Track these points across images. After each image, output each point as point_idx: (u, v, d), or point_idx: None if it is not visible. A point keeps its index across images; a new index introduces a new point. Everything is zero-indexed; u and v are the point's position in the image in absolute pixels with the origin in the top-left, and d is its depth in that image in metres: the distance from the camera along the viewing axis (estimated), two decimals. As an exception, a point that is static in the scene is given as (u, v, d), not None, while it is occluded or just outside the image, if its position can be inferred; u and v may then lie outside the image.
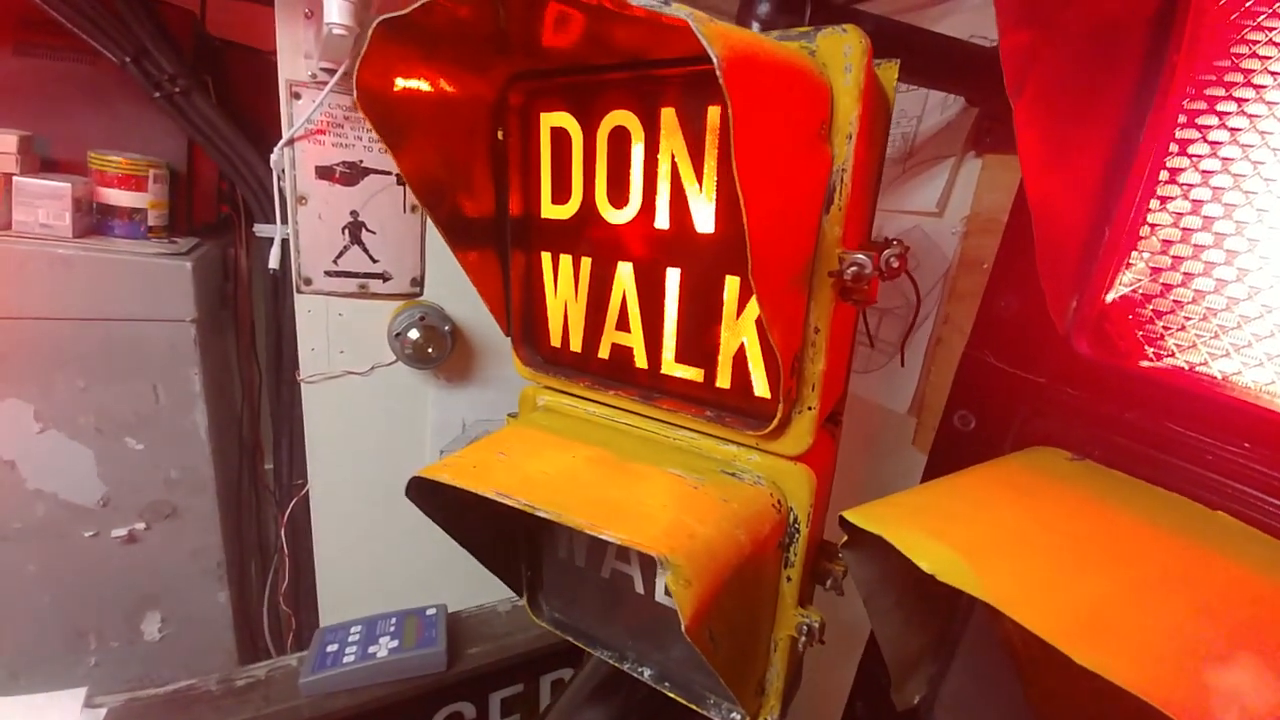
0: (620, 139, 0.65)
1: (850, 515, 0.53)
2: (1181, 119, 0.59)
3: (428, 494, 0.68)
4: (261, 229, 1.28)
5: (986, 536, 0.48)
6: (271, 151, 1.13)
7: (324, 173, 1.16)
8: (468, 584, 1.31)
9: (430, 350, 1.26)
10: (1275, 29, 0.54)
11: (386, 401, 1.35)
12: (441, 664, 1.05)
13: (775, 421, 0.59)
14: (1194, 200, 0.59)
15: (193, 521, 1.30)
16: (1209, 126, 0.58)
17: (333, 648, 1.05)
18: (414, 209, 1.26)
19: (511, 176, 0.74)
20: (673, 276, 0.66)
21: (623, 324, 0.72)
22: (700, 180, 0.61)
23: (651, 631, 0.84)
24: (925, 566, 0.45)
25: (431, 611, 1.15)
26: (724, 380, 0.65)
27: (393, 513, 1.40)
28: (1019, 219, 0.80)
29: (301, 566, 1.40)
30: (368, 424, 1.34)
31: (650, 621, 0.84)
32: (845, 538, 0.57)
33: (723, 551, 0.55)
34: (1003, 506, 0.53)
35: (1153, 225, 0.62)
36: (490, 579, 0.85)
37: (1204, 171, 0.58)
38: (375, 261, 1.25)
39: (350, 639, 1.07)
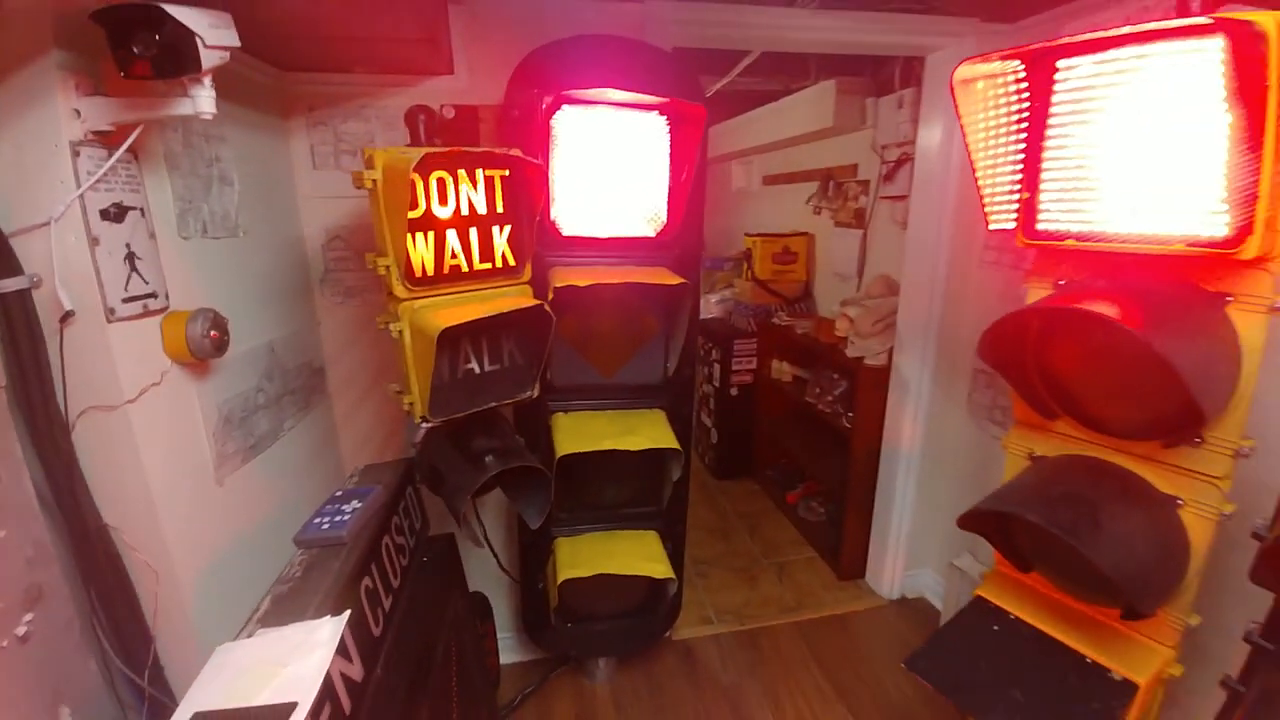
0: (442, 181, 1.68)
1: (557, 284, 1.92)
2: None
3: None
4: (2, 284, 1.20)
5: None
6: None
7: (104, 215, 1.32)
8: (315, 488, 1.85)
9: (225, 339, 1.63)
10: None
11: (173, 402, 1.59)
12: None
13: (525, 273, 1.88)
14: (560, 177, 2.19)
15: (55, 597, 1.20)
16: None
17: (324, 520, 1.60)
18: (151, 236, 1.52)
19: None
20: (474, 232, 1.78)
21: (454, 255, 1.76)
22: (478, 196, 1.75)
23: (480, 387, 1.96)
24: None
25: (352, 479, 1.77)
26: (500, 264, 1.86)
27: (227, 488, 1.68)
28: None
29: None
30: (182, 427, 1.56)
31: (479, 384, 1.96)
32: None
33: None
34: (581, 273, 2.03)
35: (552, 196, 2.19)
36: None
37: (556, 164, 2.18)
38: (147, 283, 1.47)
39: (323, 520, 1.63)
